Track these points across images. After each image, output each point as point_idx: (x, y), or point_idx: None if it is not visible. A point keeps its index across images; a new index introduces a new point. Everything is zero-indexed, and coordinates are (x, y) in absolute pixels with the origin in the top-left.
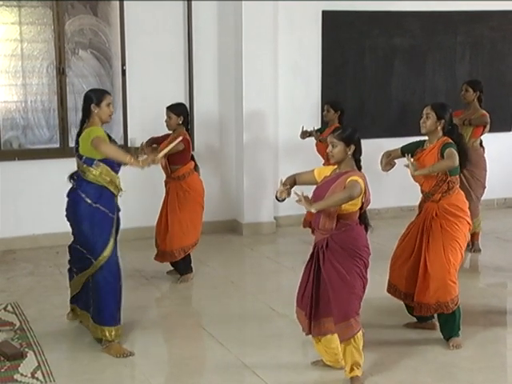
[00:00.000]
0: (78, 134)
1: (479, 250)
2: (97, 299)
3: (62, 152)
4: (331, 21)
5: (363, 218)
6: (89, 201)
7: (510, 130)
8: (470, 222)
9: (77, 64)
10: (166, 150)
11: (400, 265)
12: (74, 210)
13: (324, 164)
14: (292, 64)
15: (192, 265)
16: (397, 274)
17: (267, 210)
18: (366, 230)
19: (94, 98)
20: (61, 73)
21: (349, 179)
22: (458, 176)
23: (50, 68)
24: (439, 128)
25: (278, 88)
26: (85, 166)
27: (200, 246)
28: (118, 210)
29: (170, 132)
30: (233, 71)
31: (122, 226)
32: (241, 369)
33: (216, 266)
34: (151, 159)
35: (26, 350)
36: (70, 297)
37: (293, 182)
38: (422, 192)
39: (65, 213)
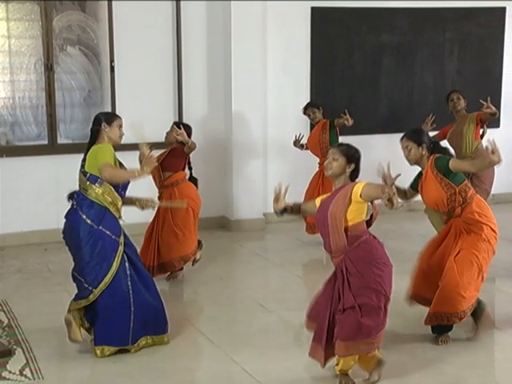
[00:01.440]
0: (85, 155)
1: None
2: (99, 321)
3: (51, 149)
4: (320, 17)
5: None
6: (91, 222)
7: (498, 127)
8: (495, 227)
9: (65, 60)
10: (145, 149)
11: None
12: (73, 233)
13: (320, 160)
14: (281, 62)
15: None
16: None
17: (256, 206)
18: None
19: (105, 118)
20: (49, 69)
21: (361, 185)
22: (466, 182)
23: (38, 64)
24: (424, 152)
25: (267, 86)
26: (88, 183)
27: None
28: (125, 235)
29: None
30: (222, 69)
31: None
32: (229, 365)
33: (205, 262)
34: (145, 160)
35: (15, 347)
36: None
37: (297, 207)
38: (443, 213)
39: (62, 235)
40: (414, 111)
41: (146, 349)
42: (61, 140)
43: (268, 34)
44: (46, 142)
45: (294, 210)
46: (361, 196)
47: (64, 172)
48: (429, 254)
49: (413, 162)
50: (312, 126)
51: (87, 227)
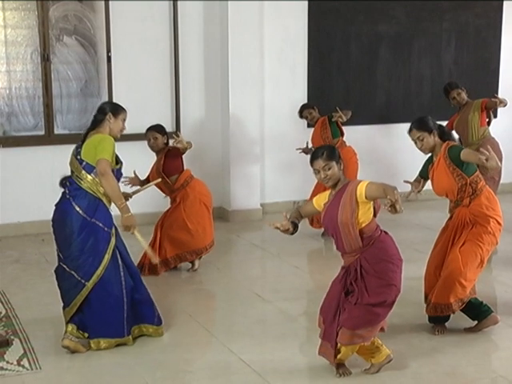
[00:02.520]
0: (82, 140)
1: None
2: (95, 315)
3: (47, 139)
4: (317, 8)
5: None
6: (84, 215)
7: (496, 117)
8: (501, 220)
9: (61, 50)
10: (141, 190)
11: (431, 273)
12: (65, 224)
13: None
14: (278, 52)
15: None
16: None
17: (254, 197)
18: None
19: (112, 109)
20: (45, 59)
21: (364, 186)
22: (478, 173)
23: (35, 54)
24: (436, 139)
25: (264, 77)
26: (83, 172)
27: None
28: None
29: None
30: (219, 59)
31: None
32: (226, 355)
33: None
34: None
35: (12, 337)
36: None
37: (299, 215)
38: (451, 201)
39: (51, 223)
40: (411, 101)
41: (144, 340)
42: (57, 130)
43: (265, 24)
44: (42, 133)
45: (299, 219)
46: (366, 197)
47: (61, 162)
48: (433, 250)
49: (428, 150)
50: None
51: (80, 219)
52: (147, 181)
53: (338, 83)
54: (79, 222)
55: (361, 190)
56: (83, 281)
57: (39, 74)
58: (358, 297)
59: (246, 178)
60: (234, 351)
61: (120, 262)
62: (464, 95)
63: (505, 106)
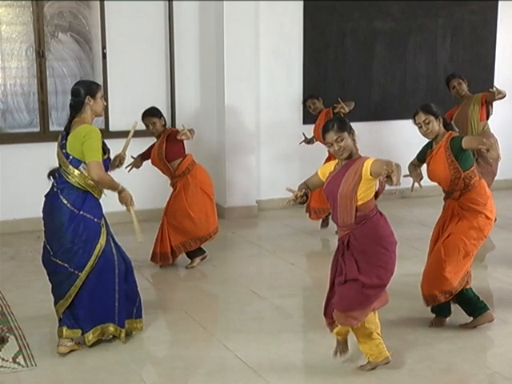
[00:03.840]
0: (66, 129)
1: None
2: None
3: (42, 136)
4: (312, 4)
5: None
6: (72, 208)
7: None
8: (491, 215)
9: (56, 47)
10: (125, 144)
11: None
12: (54, 217)
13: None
14: (273, 48)
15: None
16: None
17: (249, 193)
18: None
19: (88, 90)
20: (40, 56)
21: (370, 162)
22: (473, 168)
23: (30, 51)
24: (441, 125)
25: (260, 72)
26: (70, 166)
27: None
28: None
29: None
30: (214, 55)
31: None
32: (222, 351)
33: None
34: (118, 159)
35: (8, 334)
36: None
37: (306, 186)
38: (444, 190)
39: (42, 215)
40: (407, 98)
41: (139, 336)
42: (53, 127)
43: (260, 20)
44: (37, 130)
45: (307, 190)
46: (371, 174)
47: (56, 159)
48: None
49: (432, 135)
50: (308, 114)
51: (68, 212)
52: (145, 157)
53: (333, 80)
54: (67, 214)
55: (367, 166)
56: (76, 272)
57: (34, 70)
58: (345, 274)
59: (241, 174)
60: (229, 348)
61: (115, 250)
62: (464, 86)
63: (503, 97)
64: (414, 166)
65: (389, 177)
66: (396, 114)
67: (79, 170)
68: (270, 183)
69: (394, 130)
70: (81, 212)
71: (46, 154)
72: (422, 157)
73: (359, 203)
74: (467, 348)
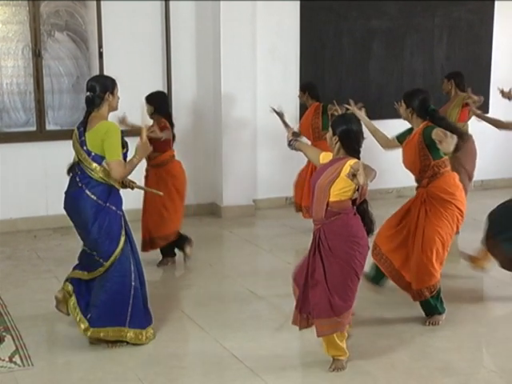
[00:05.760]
0: (84, 125)
1: (457, 233)
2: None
3: (39, 135)
4: (309, 3)
5: (366, 220)
6: (99, 201)
7: (487, 113)
8: (461, 206)
9: (53, 46)
10: (144, 134)
11: (388, 234)
12: (79, 210)
13: (312, 143)
14: (270, 46)
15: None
16: (383, 238)
17: (246, 193)
18: (368, 233)
19: (108, 86)
20: (37, 55)
21: (351, 163)
22: (444, 159)
23: (26, 50)
24: (411, 115)
25: (256, 70)
26: (94, 164)
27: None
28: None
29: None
30: (211, 53)
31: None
32: (219, 350)
33: (195, 248)
34: (140, 146)
35: (4, 334)
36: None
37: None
38: (415, 179)
39: (64, 211)
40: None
41: None
42: (49, 126)
43: (257, 18)
44: (34, 129)
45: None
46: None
47: (53, 159)
48: (390, 226)
49: (402, 118)
50: (301, 105)
51: (94, 205)
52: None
53: (330, 79)
54: (94, 208)
55: (347, 165)
56: (101, 260)
57: (30, 69)
58: (315, 273)
59: (238, 173)
60: (226, 347)
61: (131, 254)
62: (447, 86)
63: (480, 103)
64: (385, 138)
65: (354, 176)
66: (393, 113)
67: (102, 166)
68: (266, 182)
69: (391, 129)
70: (107, 204)
71: (43, 153)
72: (402, 138)
73: (332, 199)
74: (464, 347)
